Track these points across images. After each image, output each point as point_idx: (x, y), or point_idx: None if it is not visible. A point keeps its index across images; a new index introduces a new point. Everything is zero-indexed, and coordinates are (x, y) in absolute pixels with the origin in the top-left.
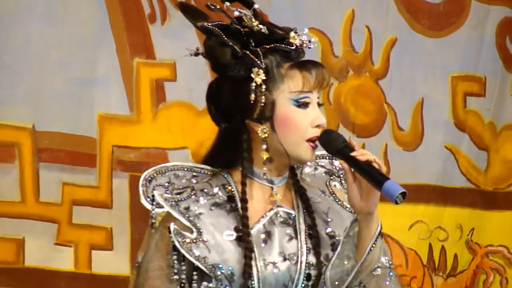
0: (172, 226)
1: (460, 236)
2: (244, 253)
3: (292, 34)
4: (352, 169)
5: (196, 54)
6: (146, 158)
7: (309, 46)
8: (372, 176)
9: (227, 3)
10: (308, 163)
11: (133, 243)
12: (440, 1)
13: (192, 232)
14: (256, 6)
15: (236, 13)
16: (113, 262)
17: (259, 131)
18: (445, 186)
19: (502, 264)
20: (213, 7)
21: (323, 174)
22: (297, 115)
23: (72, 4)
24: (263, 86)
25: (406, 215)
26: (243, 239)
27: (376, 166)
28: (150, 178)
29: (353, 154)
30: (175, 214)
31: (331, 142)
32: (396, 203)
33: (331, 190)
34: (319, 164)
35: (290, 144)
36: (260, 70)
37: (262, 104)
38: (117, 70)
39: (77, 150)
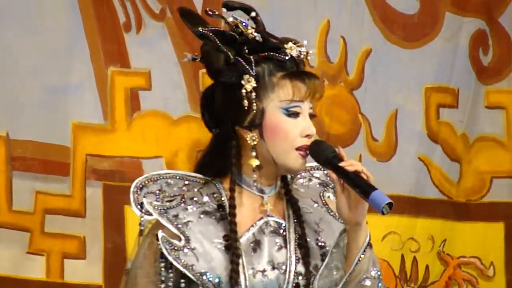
0: (160, 233)
1: (431, 247)
2: (231, 258)
3: (289, 44)
4: (341, 180)
5: (194, 59)
6: (120, 167)
7: (307, 58)
8: (360, 186)
9: (224, 9)
10: (303, 174)
11: (106, 252)
12: (414, 12)
13: (180, 240)
14: (253, 13)
15: (230, 19)
16: (85, 271)
17: (248, 138)
18: (418, 197)
19: (474, 275)
20: (211, 13)
21: (317, 185)
22: (286, 124)
23: (47, 12)
24: (253, 94)
25: (379, 225)
26: (231, 245)
27: (364, 177)
28: (141, 186)
29: (341, 164)
30: (163, 221)
31: (321, 152)
32: (383, 213)
33: (324, 201)
34: (314, 175)
35: (278, 153)
36: (251, 77)
37: (252, 111)
38: (91, 79)
39: (50, 159)
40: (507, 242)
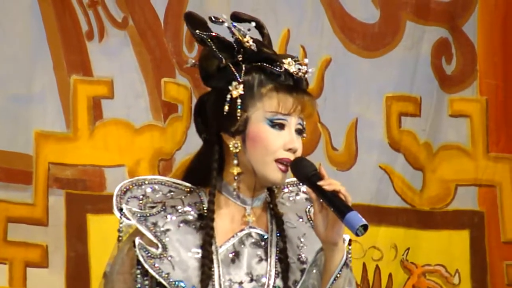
0: (137, 240)
1: (395, 256)
2: (203, 261)
3: (288, 60)
4: (320, 199)
5: (194, 65)
6: (82, 176)
7: (306, 76)
8: (336, 206)
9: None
10: (290, 188)
11: (68, 261)
12: (375, 21)
13: (157, 247)
14: (252, 24)
15: (226, 25)
16: (48, 280)
17: (230, 145)
18: (380, 206)
19: (439, 283)
20: (214, 20)
21: (304, 201)
22: (269, 134)
23: (9, 21)
24: (239, 100)
25: None
26: (204, 250)
27: (342, 197)
28: (125, 189)
29: (320, 183)
30: (141, 228)
31: (301, 169)
32: (357, 235)
33: (309, 217)
34: (302, 190)
35: (258, 162)
36: (239, 84)
37: (237, 118)
38: (53, 87)
39: (12, 167)
40: (472, 249)
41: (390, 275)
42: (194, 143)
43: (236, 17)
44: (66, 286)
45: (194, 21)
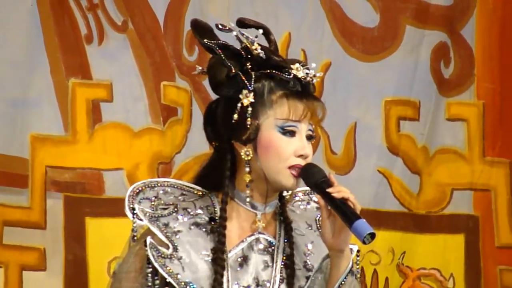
0: (149, 239)
1: (392, 260)
2: (215, 269)
3: (296, 65)
4: (328, 205)
5: (202, 72)
6: (81, 179)
7: (313, 80)
8: (344, 213)
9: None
10: (302, 196)
11: (67, 264)
12: (374, 25)
13: (168, 248)
14: (260, 31)
15: (234, 33)
16: (46, 283)
17: (242, 153)
18: (378, 209)
19: (434, 287)
20: (221, 27)
21: (315, 209)
22: (280, 141)
23: (7, 25)
24: (249, 108)
25: None
26: (217, 256)
27: (351, 205)
28: (138, 191)
29: (329, 190)
30: (153, 229)
31: (311, 176)
32: (364, 243)
33: (318, 225)
34: (312, 199)
35: (270, 170)
36: (250, 92)
37: (247, 126)
38: (51, 91)
39: (8, 171)
40: (467, 253)
41: (386, 279)
42: (194, 146)
43: (242, 23)
44: None
45: (201, 29)
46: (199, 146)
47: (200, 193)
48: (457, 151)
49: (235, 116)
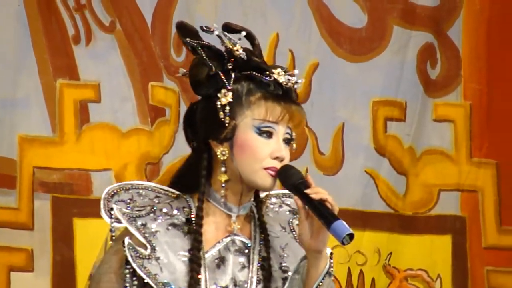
0: (127, 240)
1: (378, 260)
2: (191, 266)
3: (278, 70)
4: (306, 207)
5: (185, 74)
6: (69, 180)
7: (296, 86)
8: (322, 215)
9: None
10: (274, 200)
11: (54, 265)
12: (362, 26)
13: (146, 248)
14: (243, 33)
15: (216, 33)
16: (34, 284)
17: (218, 153)
18: (365, 210)
19: None
20: (205, 28)
21: (287, 212)
22: (256, 142)
23: None
24: (227, 107)
25: None
26: (193, 255)
27: (329, 206)
28: (113, 193)
29: (307, 191)
30: (131, 229)
31: (288, 177)
32: (343, 243)
33: (292, 228)
34: (285, 202)
35: (246, 170)
36: (228, 91)
37: (225, 125)
38: (39, 92)
39: None
40: (454, 254)
41: (373, 280)
42: (182, 147)
43: (228, 28)
44: None
45: (186, 31)
46: (187, 147)
47: (175, 196)
48: (444, 152)
49: (213, 114)
